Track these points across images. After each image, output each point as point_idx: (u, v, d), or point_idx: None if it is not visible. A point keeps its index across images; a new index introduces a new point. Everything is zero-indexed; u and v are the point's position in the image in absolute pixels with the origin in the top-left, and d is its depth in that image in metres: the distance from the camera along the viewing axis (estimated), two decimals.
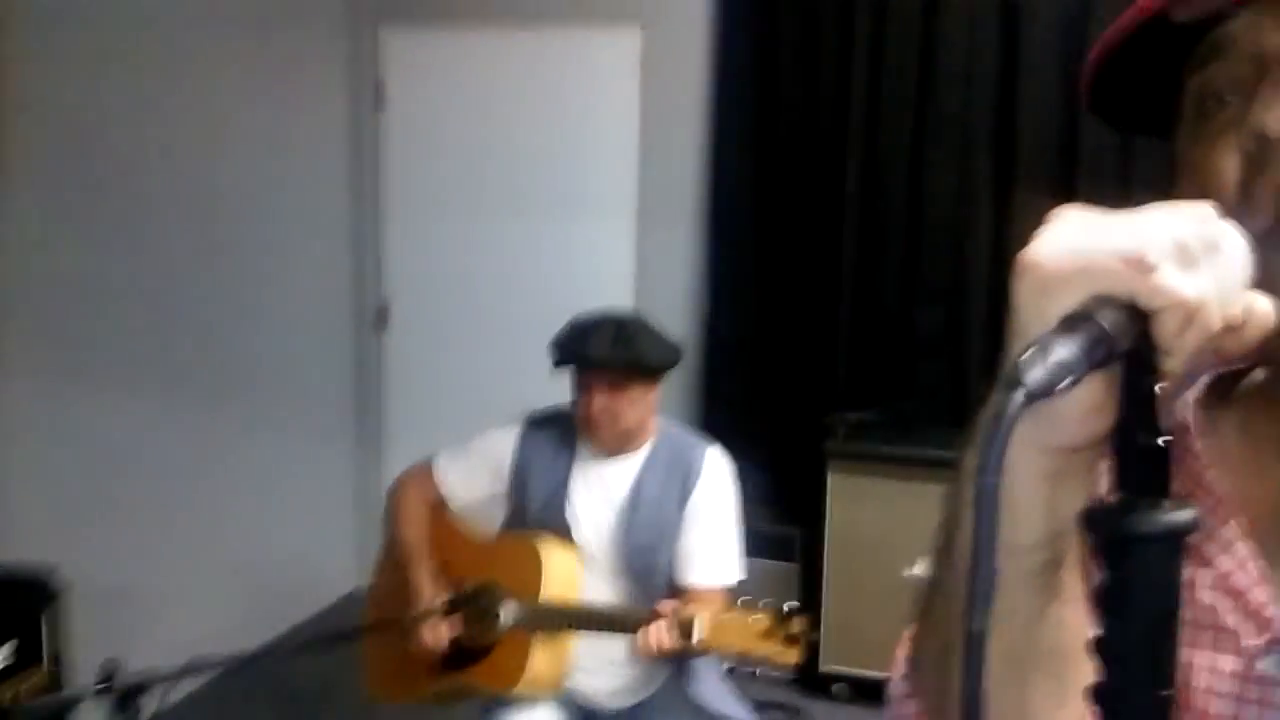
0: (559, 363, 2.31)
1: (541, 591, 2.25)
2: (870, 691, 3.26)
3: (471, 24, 4.11)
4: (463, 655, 2.37)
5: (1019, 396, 0.42)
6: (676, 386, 3.86)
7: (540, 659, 2.26)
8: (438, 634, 2.32)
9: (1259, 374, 0.67)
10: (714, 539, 2.32)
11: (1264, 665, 0.60)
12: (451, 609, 2.33)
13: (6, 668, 2.35)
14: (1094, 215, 0.49)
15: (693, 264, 3.99)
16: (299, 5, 3.94)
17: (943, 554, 0.59)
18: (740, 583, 2.34)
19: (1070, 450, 0.51)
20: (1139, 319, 0.46)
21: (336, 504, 4.33)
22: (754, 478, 3.49)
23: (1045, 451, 0.51)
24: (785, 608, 2.00)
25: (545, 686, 2.31)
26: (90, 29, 3.00)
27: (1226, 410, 0.67)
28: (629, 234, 4.06)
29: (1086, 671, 0.56)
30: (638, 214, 4.04)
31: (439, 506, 2.47)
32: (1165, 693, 0.50)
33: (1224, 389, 0.68)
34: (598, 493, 2.35)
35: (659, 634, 2.04)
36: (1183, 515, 0.48)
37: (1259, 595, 0.61)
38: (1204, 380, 0.68)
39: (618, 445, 2.33)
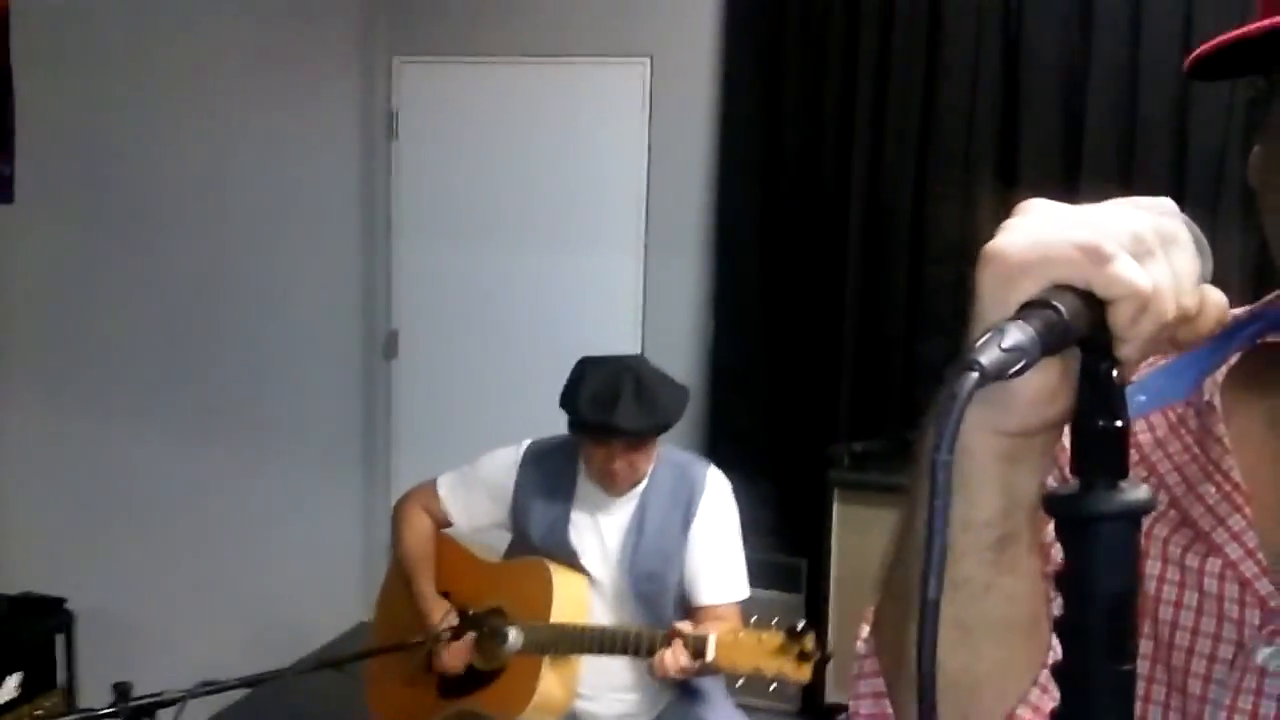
0: (583, 431, 2.29)
1: (551, 615, 2.27)
2: None
3: (483, 56, 4.18)
4: (469, 679, 2.38)
5: (972, 376, 0.44)
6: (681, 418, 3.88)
7: (549, 683, 2.27)
8: (451, 657, 2.33)
9: None
10: (722, 556, 2.34)
11: (1263, 656, 0.61)
12: (459, 632, 2.35)
13: (18, 696, 2.35)
14: (1057, 207, 0.51)
15: (698, 294, 4.03)
16: (315, 35, 4.01)
17: (903, 529, 0.61)
18: (744, 610, 2.36)
19: (1025, 434, 0.53)
20: (1096, 306, 0.48)
21: (344, 532, 4.33)
22: (758, 508, 3.51)
23: (1000, 434, 0.53)
24: (796, 626, 2.03)
25: (553, 710, 2.32)
26: (101, 54, 3.05)
27: (1254, 395, 0.67)
28: (636, 263, 4.10)
29: (1035, 643, 0.59)
30: (645, 244, 4.09)
31: (443, 526, 2.50)
32: (1125, 668, 0.51)
33: (1254, 371, 0.68)
34: (602, 521, 2.37)
35: (674, 656, 2.06)
36: (1139, 494, 0.50)
37: (1265, 585, 0.62)
38: (1232, 360, 0.68)
39: (630, 487, 2.36)
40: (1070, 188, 3.50)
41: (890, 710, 0.66)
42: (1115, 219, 0.49)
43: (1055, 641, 0.53)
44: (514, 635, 2.27)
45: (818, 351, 3.81)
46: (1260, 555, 0.63)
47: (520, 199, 4.20)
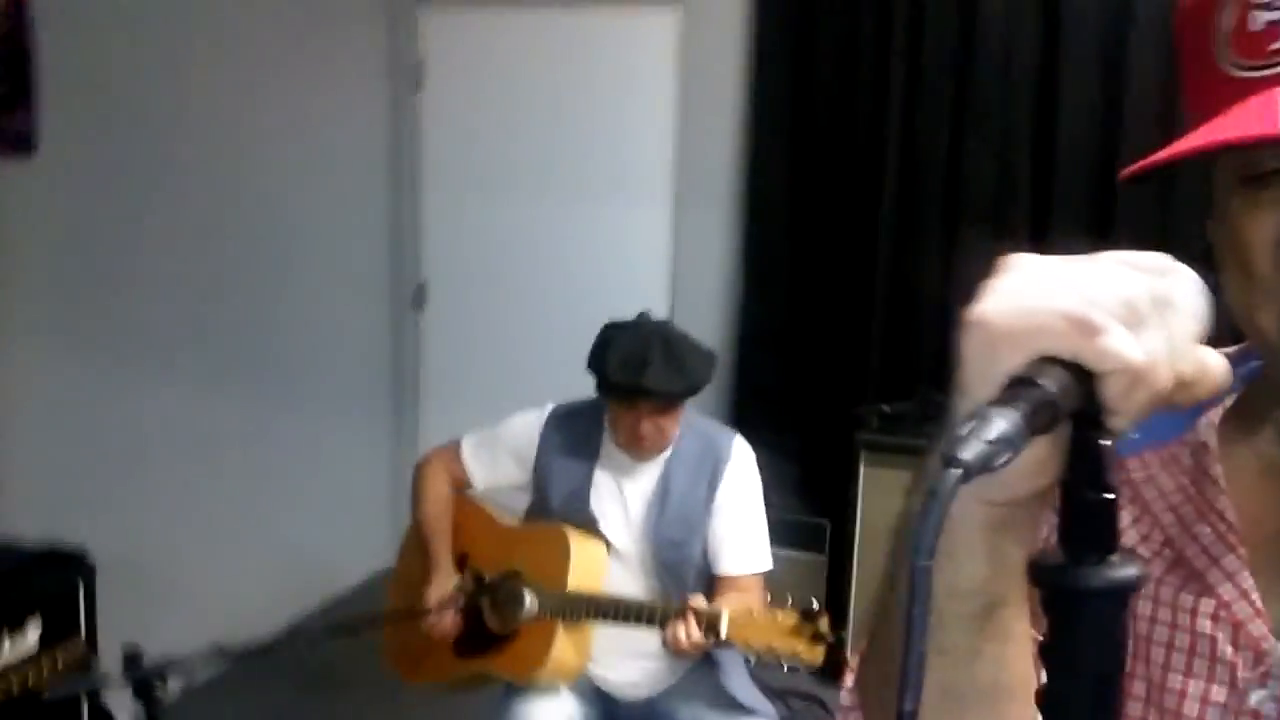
0: (612, 394, 2.26)
1: (568, 581, 2.27)
2: None
3: (510, 4, 4.11)
4: (486, 640, 2.39)
5: (954, 475, 0.42)
6: None
7: (563, 647, 2.28)
8: (444, 625, 2.35)
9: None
10: (746, 527, 2.33)
11: (1256, 699, 0.61)
12: (476, 594, 2.35)
13: (38, 645, 2.38)
14: (1045, 265, 0.49)
15: (727, 249, 3.97)
16: None
17: (888, 586, 0.59)
18: (768, 573, 2.35)
19: (1013, 504, 0.51)
20: (1086, 379, 0.45)
21: (371, 481, 4.37)
22: (784, 467, 3.48)
23: (986, 504, 0.51)
24: (812, 606, 2.01)
25: (567, 675, 2.33)
26: (122, 5, 3.02)
27: (1246, 435, 0.67)
28: (665, 217, 4.05)
29: (1021, 709, 0.57)
30: (674, 197, 4.03)
31: (464, 488, 2.50)
32: None
33: (1245, 410, 0.67)
34: (626, 489, 2.36)
35: (687, 629, 2.06)
36: (1128, 571, 0.48)
37: (1258, 627, 0.61)
38: (1228, 400, 0.67)
39: (657, 453, 2.35)
40: (1109, 147, 3.40)
41: None
42: (1106, 284, 0.46)
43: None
44: (530, 600, 2.27)
45: (848, 311, 3.76)
46: (1255, 597, 0.62)
47: (548, 150, 4.15)
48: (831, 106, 3.72)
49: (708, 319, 3.86)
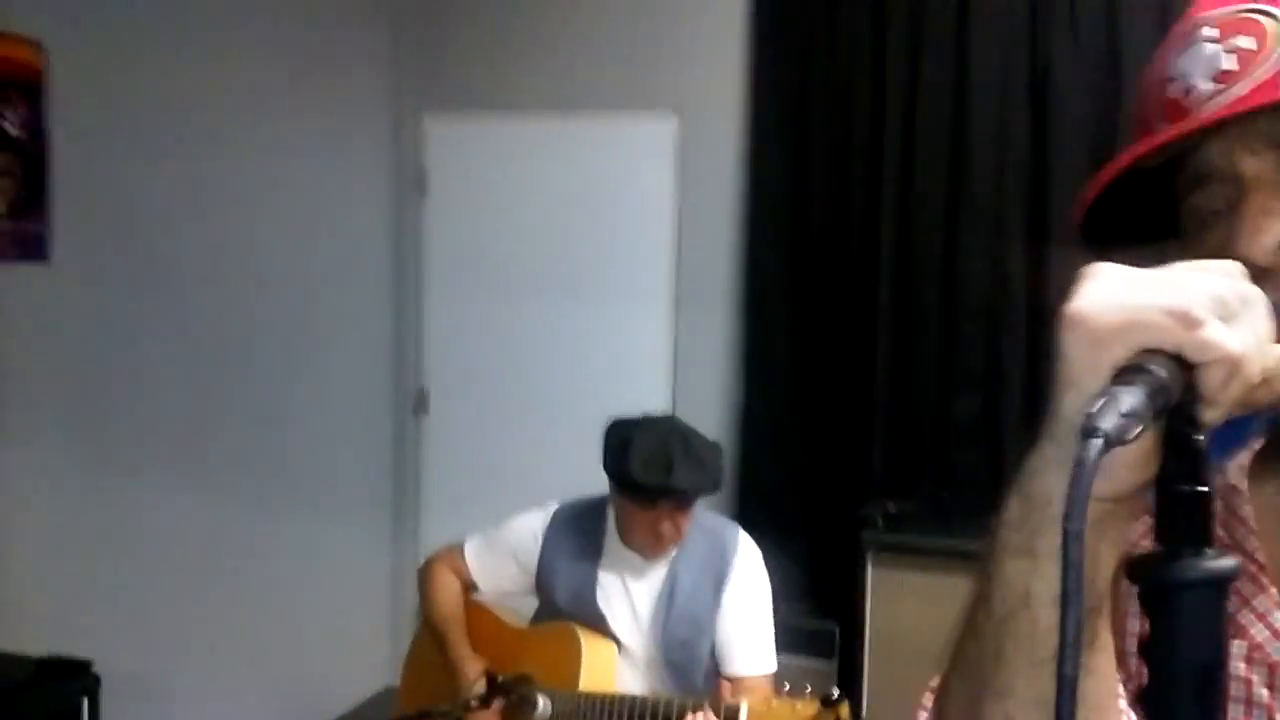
0: (641, 495, 2.24)
1: (580, 683, 2.22)
2: None
3: (512, 111, 4.22)
4: None
5: (1097, 443, 0.44)
6: None
7: None
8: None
9: None
10: (753, 627, 2.30)
11: None
12: (489, 698, 2.30)
13: None
14: (1130, 270, 0.52)
15: (729, 349, 4.01)
16: (345, 90, 4.07)
17: (980, 599, 0.59)
18: (787, 685, 2.30)
19: (1118, 499, 0.52)
20: (1186, 370, 0.48)
21: (372, 593, 4.31)
22: (789, 570, 3.43)
23: (1093, 500, 0.51)
24: (832, 694, 1.97)
25: None
26: (133, 116, 3.10)
27: (1268, 480, 0.68)
28: (666, 319, 4.09)
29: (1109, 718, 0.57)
30: (674, 299, 4.08)
31: (469, 590, 2.47)
32: None
33: (1269, 456, 0.69)
34: (632, 587, 2.33)
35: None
36: (1225, 563, 0.49)
37: None
38: (1255, 445, 0.69)
39: (669, 551, 2.32)
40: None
41: None
42: (1196, 282, 0.50)
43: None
44: (543, 703, 2.22)
45: (849, 409, 3.77)
46: None
47: (550, 254, 4.22)
48: (826, 207, 3.79)
49: (709, 419, 3.86)
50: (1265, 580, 0.64)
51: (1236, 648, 0.63)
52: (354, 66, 4.11)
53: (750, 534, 2.45)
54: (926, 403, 3.68)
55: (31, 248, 2.77)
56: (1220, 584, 0.49)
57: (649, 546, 2.29)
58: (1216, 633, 0.49)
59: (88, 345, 3.01)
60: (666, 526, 2.24)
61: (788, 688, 2.04)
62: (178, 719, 2.97)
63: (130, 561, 3.13)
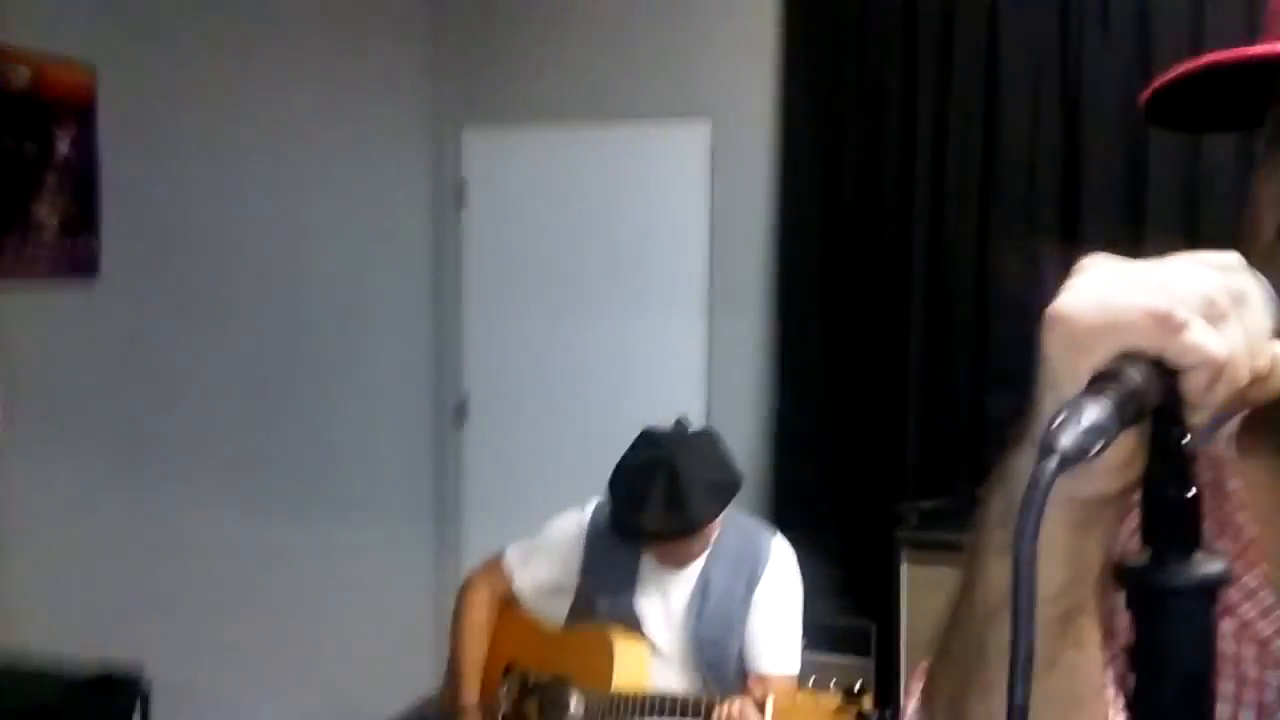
0: (620, 535, 2.31)
1: (613, 683, 2.25)
2: None
3: (548, 121, 4.25)
4: None
5: (1053, 463, 0.42)
6: (747, 478, 3.85)
7: None
8: None
9: None
10: (782, 627, 2.33)
11: None
12: (523, 699, 2.34)
13: None
14: (1121, 265, 0.50)
15: (761, 353, 4.02)
16: (386, 105, 4.12)
17: (964, 595, 0.58)
18: (812, 678, 2.32)
19: (1101, 501, 0.51)
20: (1168, 374, 0.46)
21: (414, 602, 4.31)
22: (826, 569, 3.45)
23: (1073, 503, 0.51)
24: (854, 687, 2.00)
25: None
26: (182, 135, 3.17)
27: (1257, 447, 0.66)
28: (701, 325, 4.11)
29: (1095, 714, 0.57)
30: (708, 304, 4.10)
31: (508, 602, 2.50)
32: None
33: (1256, 428, 0.66)
34: (668, 584, 2.36)
35: (741, 711, 2.05)
36: (1214, 568, 0.48)
37: None
38: (1242, 413, 0.66)
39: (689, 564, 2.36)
40: (1134, 238, 3.45)
41: None
42: (1184, 280, 0.47)
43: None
44: (575, 703, 2.26)
45: (883, 409, 3.77)
46: (1276, 614, 0.61)
47: (586, 262, 4.25)
48: (859, 209, 3.80)
49: (744, 422, 3.89)
50: (1254, 556, 0.62)
51: (1225, 625, 0.61)
52: (395, 82, 4.16)
53: (786, 533, 2.47)
54: (960, 401, 3.68)
55: (82, 264, 2.85)
56: (1209, 590, 0.48)
57: (668, 563, 2.33)
58: (1205, 639, 0.48)
59: (135, 359, 3.07)
60: (660, 555, 2.28)
61: (813, 681, 2.07)
62: None
63: (176, 572, 3.18)
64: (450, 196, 4.41)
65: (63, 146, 2.76)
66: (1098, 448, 0.44)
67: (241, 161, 3.39)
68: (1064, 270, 0.51)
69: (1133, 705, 0.50)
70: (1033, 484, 0.42)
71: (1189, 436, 0.48)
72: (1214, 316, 0.46)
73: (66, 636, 2.70)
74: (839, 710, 1.98)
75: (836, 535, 3.72)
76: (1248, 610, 0.62)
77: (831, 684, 2.02)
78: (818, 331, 3.89)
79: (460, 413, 4.47)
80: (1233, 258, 0.49)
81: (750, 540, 2.37)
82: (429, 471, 4.42)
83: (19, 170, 2.69)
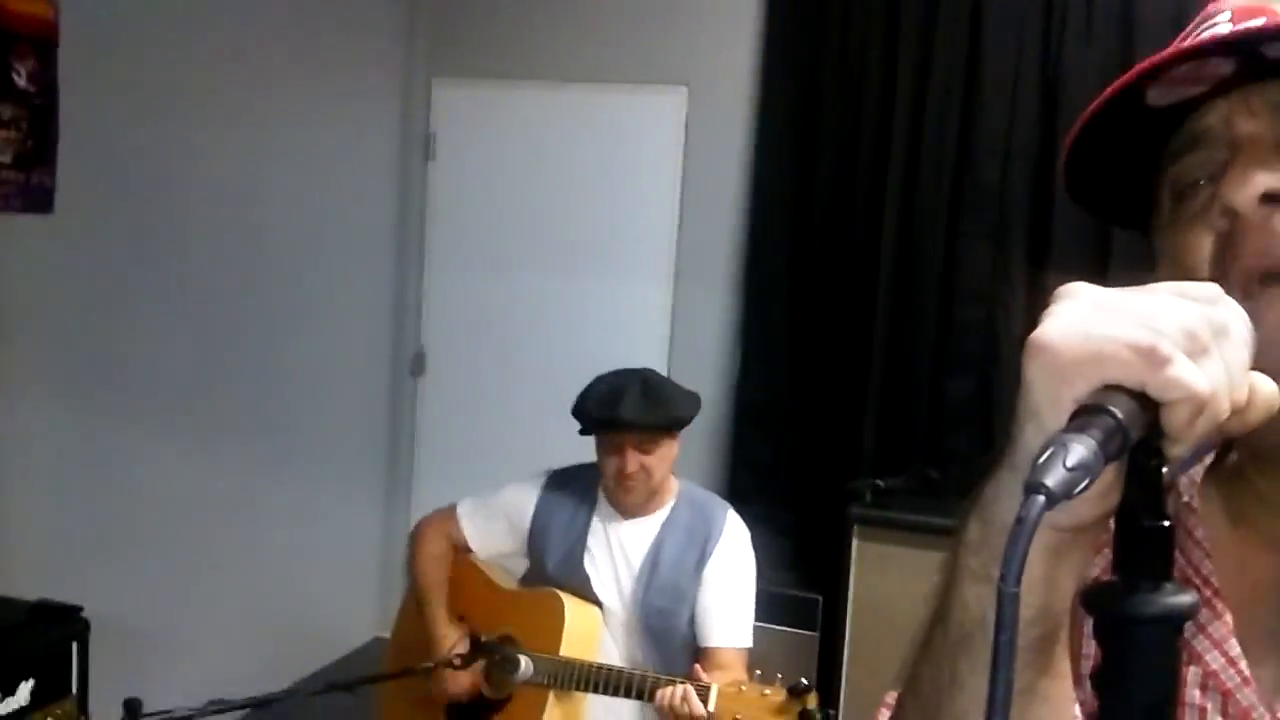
0: (592, 429, 2.33)
1: (561, 648, 2.26)
2: None
3: (522, 79, 4.20)
4: (477, 706, 2.37)
5: (1040, 502, 0.42)
6: (703, 448, 3.87)
7: (555, 715, 2.26)
8: (459, 683, 2.34)
9: (1233, 457, 0.66)
10: (732, 601, 2.34)
11: None
12: (470, 658, 2.34)
13: (29, 703, 2.35)
14: (1103, 295, 0.49)
15: (726, 324, 4.02)
16: (355, 55, 4.04)
17: (936, 620, 0.58)
18: (758, 650, 2.34)
19: (1078, 528, 0.51)
20: (1150, 407, 0.46)
21: (363, 547, 4.35)
22: (777, 542, 3.48)
23: (1051, 529, 0.51)
24: (800, 683, 2.01)
25: None
26: (142, 71, 3.08)
27: (1217, 491, 0.66)
28: (665, 291, 4.10)
29: None
30: (674, 273, 4.09)
31: (461, 551, 2.50)
32: None
33: (1215, 467, 0.67)
34: (617, 552, 2.37)
35: (681, 697, 2.05)
36: (1183, 599, 0.48)
37: (1247, 696, 0.60)
38: (1208, 459, 0.67)
39: (645, 504, 2.36)
40: (1105, 233, 3.48)
41: None
42: (1167, 313, 0.47)
43: None
44: (524, 664, 2.26)
45: (844, 385, 3.79)
46: (1242, 665, 0.61)
47: (553, 222, 4.22)
48: (831, 188, 3.79)
49: (704, 393, 3.80)
50: (1220, 605, 0.62)
51: (1191, 674, 0.61)
52: (365, 30, 4.08)
53: (740, 504, 2.49)
54: (921, 384, 3.71)
55: (36, 200, 2.77)
56: (1177, 620, 0.48)
57: (620, 490, 2.33)
58: (1170, 669, 0.49)
59: (89, 298, 3.01)
60: (632, 465, 2.27)
61: (759, 674, 2.08)
62: (166, 666, 3.00)
63: (125, 512, 3.15)
64: (418, 148, 4.34)
65: (19, 78, 2.68)
66: (1082, 486, 0.44)
67: (205, 105, 3.32)
68: (1040, 291, 0.51)
69: None
70: (1018, 521, 0.42)
71: (1167, 467, 0.48)
72: (1196, 351, 0.46)
73: (10, 571, 2.68)
74: (782, 707, 1.98)
75: (790, 508, 3.76)
76: (1213, 659, 0.61)
77: (778, 678, 2.02)
78: (783, 305, 3.89)
79: (418, 364, 4.44)
80: (1214, 289, 0.49)
81: (704, 513, 2.38)
82: (384, 420, 4.41)
83: None
